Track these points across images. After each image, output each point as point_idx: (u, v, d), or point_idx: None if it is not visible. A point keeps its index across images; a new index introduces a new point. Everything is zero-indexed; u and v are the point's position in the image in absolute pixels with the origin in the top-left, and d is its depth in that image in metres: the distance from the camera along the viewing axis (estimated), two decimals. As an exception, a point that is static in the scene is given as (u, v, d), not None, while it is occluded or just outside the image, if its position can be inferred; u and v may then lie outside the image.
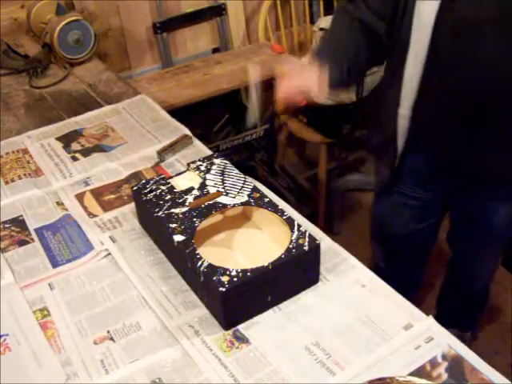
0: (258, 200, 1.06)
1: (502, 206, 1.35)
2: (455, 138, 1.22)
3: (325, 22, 2.36)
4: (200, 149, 1.39)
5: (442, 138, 1.24)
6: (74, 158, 1.38)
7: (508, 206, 1.35)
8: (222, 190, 1.09)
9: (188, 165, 1.18)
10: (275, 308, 0.96)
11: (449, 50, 1.10)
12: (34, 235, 1.15)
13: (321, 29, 2.33)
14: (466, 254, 1.55)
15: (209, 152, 1.36)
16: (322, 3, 2.58)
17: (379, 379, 0.81)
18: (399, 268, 1.57)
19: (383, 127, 1.33)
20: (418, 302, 0.98)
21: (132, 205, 1.19)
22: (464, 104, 1.15)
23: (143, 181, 1.14)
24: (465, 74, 1.10)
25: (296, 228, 0.99)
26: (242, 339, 0.91)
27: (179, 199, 1.07)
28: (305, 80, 1.15)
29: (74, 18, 1.83)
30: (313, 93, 1.15)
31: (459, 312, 1.73)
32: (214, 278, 0.90)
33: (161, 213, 1.04)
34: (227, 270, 0.91)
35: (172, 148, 1.37)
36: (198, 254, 0.95)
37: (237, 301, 0.91)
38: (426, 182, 1.38)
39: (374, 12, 1.18)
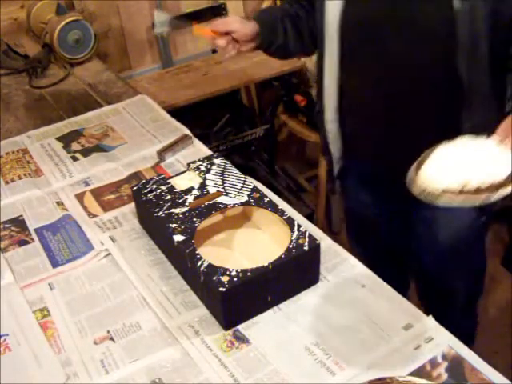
0: (258, 200, 1.06)
1: (442, 217, 1.26)
2: (376, 140, 1.22)
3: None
4: (200, 149, 1.39)
5: (367, 140, 1.24)
6: (74, 158, 1.38)
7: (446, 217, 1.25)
8: (222, 190, 1.09)
9: (188, 165, 1.18)
10: (275, 308, 0.96)
11: (358, 49, 1.13)
12: (34, 235, 1.15)
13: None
14: (426, 261, 1.43)
15: (209, 152, 1.36)
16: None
17: (379, 379, 0.81)
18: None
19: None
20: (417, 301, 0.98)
21: (132, 205, 1.19)
22: (377, 104, 1.16)
23: (143, 181, 1.14)
24: (373, 73, 1.14)
25: (296, 228, 0.99)
26: (242, 339, 0.91)
27: (179, 199, 1.07)
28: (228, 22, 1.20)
29: (74, 18, 1.83)
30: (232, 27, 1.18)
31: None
32: (214, 278, 0.90)
33: (161, 213, 1.04)
34: (227, 270, 0.91)
35: (172, 148, 1.37)
36: (197, 254, 0.95)
37: (237, 301, 0.91)
38: (369, 186, 1.35)
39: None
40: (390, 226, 1.45)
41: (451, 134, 0.93)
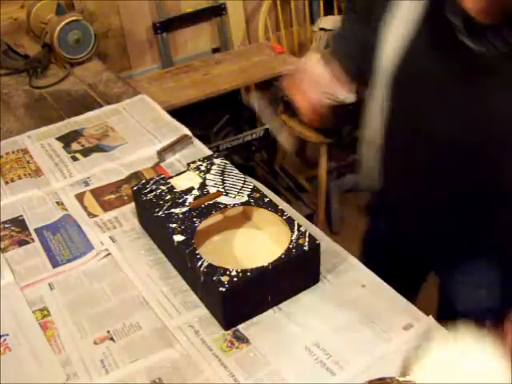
0: (257, 200, 1.06)
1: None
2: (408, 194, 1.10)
3: (325, 22, 2.36)
4: (200, 149, 1.39)
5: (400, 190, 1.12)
6: (74, 158, 1.38)
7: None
8: (222, 190, 1.09)
9: (188, 165, 1.18)
10: (275, 308, 0.96)
11: (403, 101, 0.99)
12: (34, 235, 1.15)
13: (321, 29, 2.33)
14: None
15: (209, 152, 1.36)
16: (321, 3, 2.59)
17: (379, 379, 0.81)
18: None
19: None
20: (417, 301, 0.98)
21: (132, 205, 1.19)
22: (414, 160, 1.03)
23: (143, 181, 1.14)
24: (413, 131, 1.00)
25: (296, 228, 0.99)
26: (241, 339, 0.91)
27: (179, 199, 1.07)
28: (319, 78, 1.04)
29: (74, 18, 1.83)
30: (334, 89, 1.03)
31: None
32: (214, 278, 0.90)
33: (161, 213, 1.04)
34: (227, 270, 0.91)
35: (172, 148, 1.37)
36: (197, 254, 0.95)
37: (237, 301, 0.91)
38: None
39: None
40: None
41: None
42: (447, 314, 1.14)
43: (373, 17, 1.00)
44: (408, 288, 1.06)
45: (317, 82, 1.04)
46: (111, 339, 0.93)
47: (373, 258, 1.20)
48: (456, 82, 0.88)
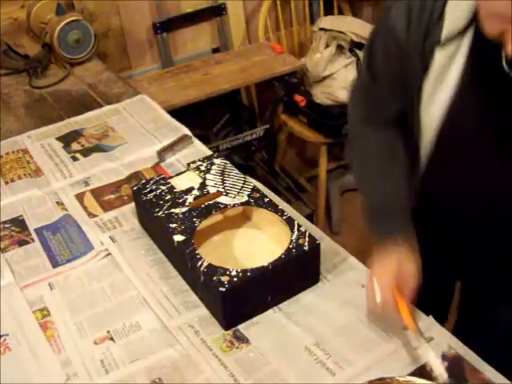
0: (257, 200, 1.06)
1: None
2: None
3: (325, 22, 2.36)
4: (200, 149, 1.39)
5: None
6: (74, 158, 1.38)
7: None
8: (222, 190, 1.09)
9: (188, 165, 1.18)
10: (275, 308, 0.96)
11: (446, 161, 0.97)
12: (34, 235, 1.15)
13: (321, 29, 2.33)
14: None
15: (209, 152, 1.36)
16: (321, 3, 2.58)
17: (379, 379, 0.81)
18: None
19: None
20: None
21: (132, 205, 1.19)
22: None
23: (143, 181, 1.14)
24: (453, 193, 0.99)
25: (296, 228, 0.99)
26: (241, 339, 0.91)
27: (179, 199, 1.07)
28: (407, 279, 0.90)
29: (74, 18, 1.83)
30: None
31: None
32: (214, 278, 0.90)
33: (161, 213, 1.04)
34: (227, 270, 0.91)
35: (172, 148, 1.37)
36: (197, 253, 0.95)
37: (237, 301, 0.91)
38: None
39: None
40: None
41: None
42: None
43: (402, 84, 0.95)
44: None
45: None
46: (111, 339, 0.93)
47: None
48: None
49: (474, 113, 0.88)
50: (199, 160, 1.19)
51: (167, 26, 2.48)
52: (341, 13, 2.66)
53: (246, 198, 1.07)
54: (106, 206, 1.22)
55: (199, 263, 0.93)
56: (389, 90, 0.99)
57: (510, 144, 0.88)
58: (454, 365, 0.85)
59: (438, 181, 1.00)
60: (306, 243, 0.95)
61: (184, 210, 1.04)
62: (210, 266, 0.92)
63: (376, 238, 0.95)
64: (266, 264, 0.92)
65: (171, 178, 1.14)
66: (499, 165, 0.90)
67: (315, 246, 0.96)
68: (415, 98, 0.93)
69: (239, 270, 0.91)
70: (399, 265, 0.89)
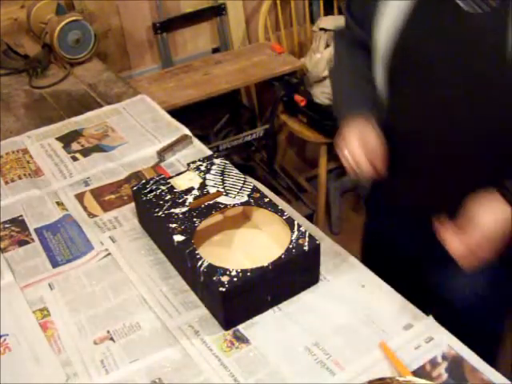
0: (257, 200, 1.06)
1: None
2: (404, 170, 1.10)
3: (325, 21, 2.36)
4: (200, 149, 1.39)
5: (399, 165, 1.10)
6: (74, 158, 1.38)
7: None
8: (222, 190, 1.09)
9: (188, 165, 1.18)
10: (275, 308, 0.96)
11: (401, 82, 1.01)
12: (34, 235, 1.15)
13: (321, 29, 2.33)
14: None
15: (209, 152, 1.36)
16: (321, 3, 2.58)
17: (379, 379, 0.81)
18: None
19: None
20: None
21: (132, 205, 1.19)
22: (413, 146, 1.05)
23: (143, 181, 1.14)
24: (413, 111, 1.02)
25: (296, 228, 0.99)
26: (241, 339, 0.91)
27: (179, 199, 1.07)
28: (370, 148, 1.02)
29: (73, 18, 1.83)
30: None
31: None
32: (214, 278, 0.90)
33: (161, 213, 1.04)
34: (227, 270, 0.91)
35: (172, 148, 1.37)
36: (197, 254, 0.95)
37: (237, 301, 0.91)
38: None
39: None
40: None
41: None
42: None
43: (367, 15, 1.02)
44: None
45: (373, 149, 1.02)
46: (111, 339, 0.93)
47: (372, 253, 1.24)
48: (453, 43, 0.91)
49: (420, 35, 0.94)
50: (199, 160, 1.19)
51: (167, 26, 2.48)
52: (341, 13, 2.65)
53: (245, 198, 1.07)
54: (106, 206, 1.22)
55: (199, 263, 0.93)
56: (367, 30, 1.04)
57: (446, 69, 0.92)
58: (454, 365, 0.85)
59: (391, 108, 1.05)
60: (306, 243, 0.95)
61: (184, 210, 1.04)
62: (209, 266, 0.92)
63: (342, 121, 1.07)
64: (265, 264, 0.92)
65: (171, 178, 1.14)
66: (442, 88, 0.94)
67: (315, 246, 0.96)
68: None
69: (239, 270, 0.91)
70: (363, 132, 1.02)
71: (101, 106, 1.62)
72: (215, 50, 2.64)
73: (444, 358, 0.86)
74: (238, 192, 1.08)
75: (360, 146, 1.01)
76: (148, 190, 1.10)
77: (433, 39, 0.93)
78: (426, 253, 1.16)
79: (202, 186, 1.11)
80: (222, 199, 1.07)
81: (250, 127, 2.50)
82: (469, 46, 0.89)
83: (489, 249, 0.86)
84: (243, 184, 1.10)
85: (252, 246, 1.08)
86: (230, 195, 1.07)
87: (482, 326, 1.17)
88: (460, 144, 0.97)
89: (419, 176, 1.08)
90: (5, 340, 0.94)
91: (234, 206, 1.06)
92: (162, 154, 1.35)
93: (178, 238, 0.98)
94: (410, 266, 1.27)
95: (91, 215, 1.20)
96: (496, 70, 0.88)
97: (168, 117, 1.53)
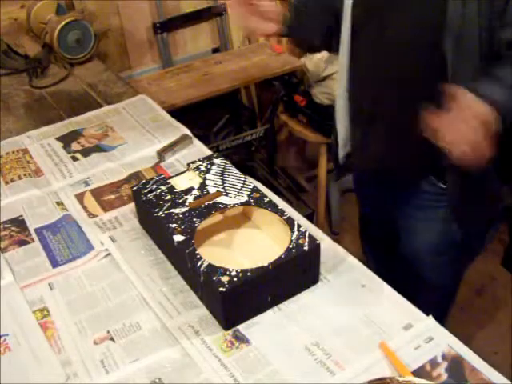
0: (257, 200, 1.06)
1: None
2: (367, 123, 1.22)
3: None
4: (200, 149, 1.39)
5: (364, 123, 1.23)
6: (74, 158, 1.38)
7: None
8: (222, 190, 1.09)
9: (188, 165, 1.18)
10: (275, 308, 0.96)
11: (362, 30, 1.12)
12: (34, 235, 1.15)
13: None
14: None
15: (209, 152, 1.36)
16: None
17: (379, 379, 0.81)
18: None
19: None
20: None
21: (132, 205, 1.19)
22: (371, 83, 1.16)
23: (143, 181, 1.14)
24: (371, 52, 1.13)
25: (296, 228, 0.99)
26: (241, 339, 0.91)
27: (179, 199, 1.07)
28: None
29: (73, 18, 1.83)
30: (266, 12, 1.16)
31: None
32: (214, 278, 0.90)
33: (161, 213, 1.04)
34: (227, 270, 0.91)
35: (172, 148, 1.37)
36: (197, 254, 0.95)
37: (237, 301, 0.91)
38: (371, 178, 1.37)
39: None
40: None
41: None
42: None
43: None
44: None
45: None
46: (111, 339, 0.93)
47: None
48: None
49: None
50: (199, 160, 1.19)
51: (167, 26, 2.48)
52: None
53: (245, 198, 1.07)
54: (106, 206, 1.22)
55: (199, 263, 0.93)
56: None
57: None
58: (454, 365, 0.85)
59: (355, 58, 1.16)
60: (306, 243, 0.96)
61: (184, 210, 1.04)
62: (209, 266, 0.92)
63: None
64: (265, 264, 0.92)
65: (171, 178, 1.14)
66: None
67: (315, 246, 0.96)
68: None
69: (239, 270, 0.91)
70: None
71: (101, 105, 1.62)
72: (215, 50, 2.65)
73: (444, 357, 0.86)
74: (238, 192, 1.08)
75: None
76: (148, 189, 1.10)
77: None
78: (397, 211, 1.28)
79: (202, 185, 1.11)
80: (221, 199, 1.07)
81: (250, 127, 2.50)
82: None
83: (475, 128, 0.91)
84: (243, 184, 1.10)
85: (252, 245, 1.08)
86: (230, 195, 1.07)
87: (431, 270, 1.31)
88: (407, 80, 1.09)
89: (377, 120, 1.18)
90: (5, 340, 0.94)
91: (233, 206, 1.06)
92: (162, 154, 1.35)
93: (178, 238, 0.98)
94: (386, 229, 1.35)
95: (91, 215, 1.20)
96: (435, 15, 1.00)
97: (168, 117, 1.53)
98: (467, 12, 0.98)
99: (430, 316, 0.93)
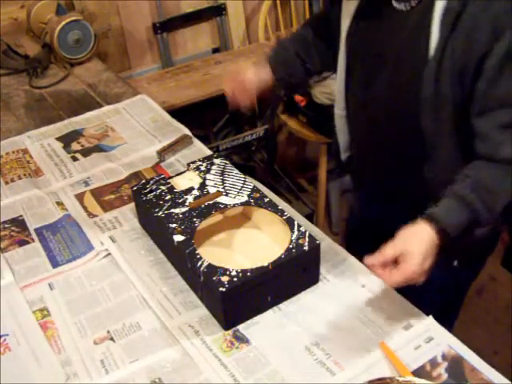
0: (257, 200, 1.06)
1: None
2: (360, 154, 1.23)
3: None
4: (200, 149, 1.39)
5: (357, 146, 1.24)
6: (74, 158, 1.38)
7: None
8: (222, 190, 1.09)
9: (188, 165, 1.18)
10: (275, 308, 0.96)
11: (354, 69, 1.13)
12: (34, 235, 1.15)
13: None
14: None
15: (209, 152, 1.36)
16: (321, 3, 2.58)
17: (379, 379, 0.81)
18: None
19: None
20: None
21: (132, 205, 1.19)
22: (359, 124, 1.17)
23: (143, 181, 1.14)
24: (360, 95, 1.13)
25: (296, 228, 0.99)
26: (241, 339, 0.91)
27: (179, 199, 1.07)
28: (246, 82, 1.24)
29: (74, 18, 1.83)
30: (247, 82, 1.23)
31: None
32: (214, 278, 0.90)
33: (161, 213, 1.04)
34: (227, 270, 0.91)
35: (172, 148, 1.37)
36: (197, 254, 0.95)
37: (237, 301, 0.91)
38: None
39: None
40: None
41: (416, 181, 1.04)
42: None
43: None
44: None
45: (243, 83, 1.24)
46: (111, 339, 0.93)
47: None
48: (386, 35, 1.05)
49: (365, 37, 1.08)
50: (199, 160, 1.19)
51: (167, 26, 2.48)
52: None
53: (245, 198, 1.07)
54: (106, 206, 1.22)
55: (199, 263, 0.93)
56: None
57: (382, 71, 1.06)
58: (454, 365, 0.85)
59: (347, 90, 1.18)
60: (306, 243, 0.95)
61: (184, 210, 1.04)
62: (210, 266, 0.92)
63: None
64: (265, 264, 0.92)
65: (171, 178, 1.14)
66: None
67: (315, 246, 0.96)
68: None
69: (239, 270, 0.91)
70: (245, 70, 1.25)
71: (101, 105, 1.62)
72: (215, 50, 2.64)
73: (444, 357, 0.86)
74: (238, 192, 1.08)
75: (234, 80, 1.24)
76: (148, 190, 1.10)
77: (375, 33, 1.07)
78: (386, 225, 1.24)
79: (202, 186, 1.11)
80: (221, 199, 1.07)
81: (250, 127, 2.49)
82: (398, 40, 1.02)
83: (423, 272, 0.90)
84: (243, 184, 1.10)
85: (252, 245, 1.08)
86: (230, 195, 1.07)
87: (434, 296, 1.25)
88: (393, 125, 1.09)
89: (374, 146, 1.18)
90: (5, 340, 0.94)
91: (233, 206, 1.06)
92: (162, 154, 1.35)
93: (178, 238, 0.98)
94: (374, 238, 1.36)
95: (91, 215, 1.20)
96: (416, 64, 0.98)
97: (168, 117, 1.53)
98: (441, 86, 0.96)
99: (430, 316, 0.93)
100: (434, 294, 1.28)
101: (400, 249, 0.89)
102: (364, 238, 1.44)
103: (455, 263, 1.16)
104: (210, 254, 0.99)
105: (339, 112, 1.23)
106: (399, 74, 1.03)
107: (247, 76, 1.24)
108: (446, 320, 0.98)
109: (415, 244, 0.89)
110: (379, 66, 1.06)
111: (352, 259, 1.05)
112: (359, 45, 1.11)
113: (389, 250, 0.89)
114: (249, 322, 0.94)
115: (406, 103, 1.03)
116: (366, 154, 1.21)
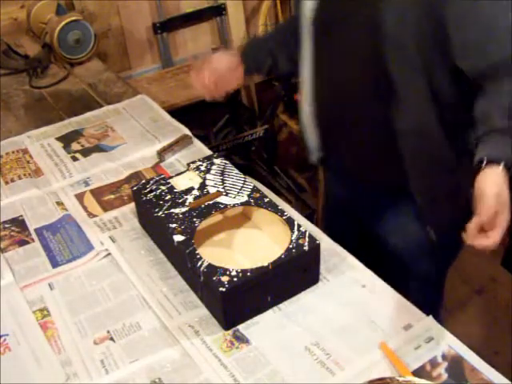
0: (257, 200, 1.06)
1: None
2: (327, 132, 1.26)
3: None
4: (200, 149, 1.39)
5: (325, 132, 1.27)
6: (74, 158, 1.38)
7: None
8: (222, 190, 1.09)
9: (188, 165, 1.18)
10: (275, 308, 0.96)
11: (320, 46, 1.15)
12: (33, 235, 1.15)
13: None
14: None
15: (209, 152, 1.36)
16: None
17: (379, 379, 0.81)
18: None
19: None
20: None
21: (132, 205, 1.19)
22: (327, 96, 1.19)
23: (143, 181, 1.14)
24: (328, 71, 1.15)
25: (296, 228, 0.99)
26: (241, 339, 0.91)
27: (179, 199, 1.07)
28: (218, 69, 1.25)
29: (74, 18, 1.83)
30: (223, 76, 1.25)
31: None
32: (214, 278, 0.90)
33: (161, 213, 1.04)
34: (227, 270, 0.91)
35: (172, 148, 1.37)
36: (198, 254, 0.95)
37: (237, 301, 0.91)
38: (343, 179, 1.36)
39: None
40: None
41: (387, 131, 1.04)
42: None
43: None
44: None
45: (215, 70, 1.25)
46: (111, 339, 0.93)
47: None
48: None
49: (328, 10, 1.10)
50: (199, 160, 1.19)
51: (167, 26, 2.48)
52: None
53: (245, 198, 1.07)
54: (106, 206, 1.22)
55: (199, 263, 0.93)
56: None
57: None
58: (454, 365, 0.85)
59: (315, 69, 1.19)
60: (306, 243, 0.96)
61: (184, 210, 1.04)
62: (209, 266, 0.92)
63: None
64: (265, 264, 0.92)
65: (171, 178, 1.14)
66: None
67: (315, 246, 0.96)
68: None
69: (239, 270, 0.91)
70: (219, 59, 1.26)
71: (101, 105, 1.62)
72: (215, 50, 2.64)
73: (444, 357, 0.86)
74: (238, 192, 1.08)
75: (209, 69, 1.24)
76: (148, 190, 1.10)
77: (334, 7, 1.09)
78: (362, 202, 1.29)
79: (202, 185, 1.11)
80: (222, 199, 1.07)
81: (250, 127, 2.49)
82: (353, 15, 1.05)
83: (504, 218, 0.90)
84: (243, 184, 1.10)
85: (252, 245, 1.08)
86: (230, 195, 1.07)
87: (414, 267, 1.28)
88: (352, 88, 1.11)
89: (333, 121, 1.21)
90: (5, 340, 0.94)
91: (234, 206, 1.06)
92: (162, 153, 1.35)
93: (178, 238, 0.98)
94: (353, 219, 1.39)
95: (91, 215, 1.20)
96: (368, 38, 1.01)
97: (168, 117, 1.53)
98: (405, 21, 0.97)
99: (430, 316, 0.93)
100: (415, 281, 1.29)
101: (479, 209, 0.89)
102: (343, 219, 1.46)
103: (431, 233, 1.16)
104: (210, 254, 0.99)
105: (307, 108, 1.25)
106: (360, 26, 1.04)
107: (214, 56, 1.25)
108: (430, 307, 0.98)
109: (487, 188, 0.89)
110: (340, 27, 1.08)
111: (352, 259, 1.05)
112: (323, 19, 1.12)
113: (474, 220, 0.89)
114: (249, 322, 0.94)
115: (370, 48, 1.03)
116: (336, 129, 1.21)
